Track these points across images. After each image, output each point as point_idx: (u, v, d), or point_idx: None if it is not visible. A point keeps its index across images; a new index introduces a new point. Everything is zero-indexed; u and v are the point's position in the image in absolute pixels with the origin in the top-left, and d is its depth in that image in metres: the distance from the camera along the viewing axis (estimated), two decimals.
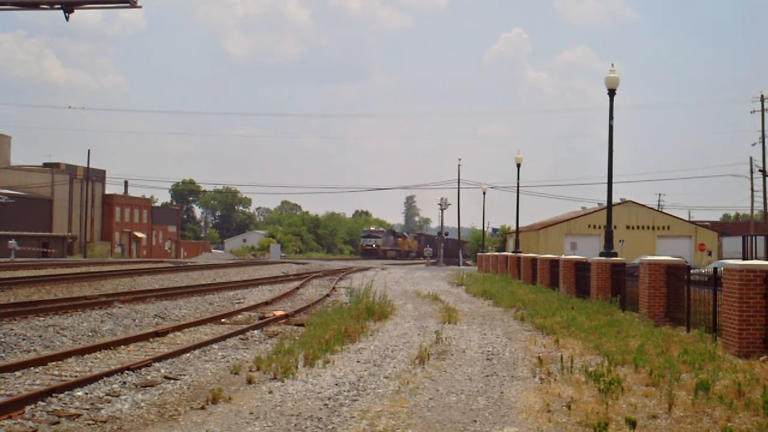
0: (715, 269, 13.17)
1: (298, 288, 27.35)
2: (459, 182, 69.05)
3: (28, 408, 7.94)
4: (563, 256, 25.08)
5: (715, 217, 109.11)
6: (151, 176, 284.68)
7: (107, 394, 8.80)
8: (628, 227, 60.31)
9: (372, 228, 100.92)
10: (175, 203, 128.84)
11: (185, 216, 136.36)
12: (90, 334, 14.16)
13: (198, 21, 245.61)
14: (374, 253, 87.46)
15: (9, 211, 66.39)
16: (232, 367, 10.47)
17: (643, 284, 15.90)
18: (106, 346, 12.31)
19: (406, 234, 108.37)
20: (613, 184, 21.63)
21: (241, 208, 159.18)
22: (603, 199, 31.75)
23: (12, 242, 57.52)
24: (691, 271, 14.57)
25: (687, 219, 73.35)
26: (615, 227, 32.62)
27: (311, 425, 7.36)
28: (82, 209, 78.16)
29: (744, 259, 33.38)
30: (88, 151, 75.54)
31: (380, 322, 16.03)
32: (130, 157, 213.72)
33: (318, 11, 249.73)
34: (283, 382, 9.43)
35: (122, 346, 12.50)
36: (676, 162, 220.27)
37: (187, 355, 11.78)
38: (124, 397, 8.67)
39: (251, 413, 7.81)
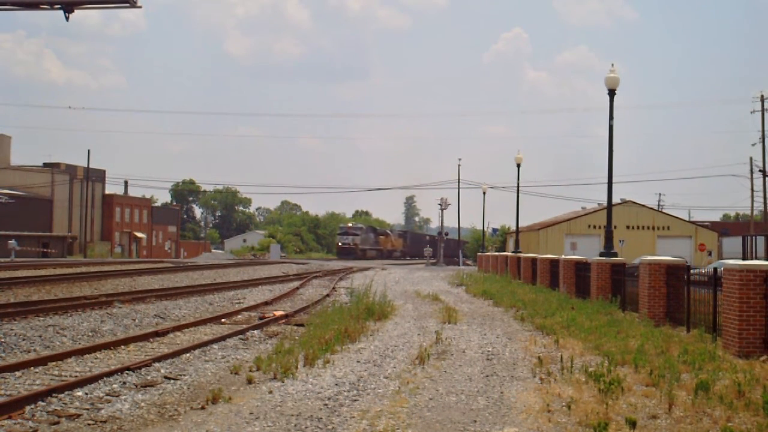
0: (715, 269, 13.16)
1: (298, 288, 27.35)
2: (459, 182, 69.17)
3: (28, 408, 7.95)
4: (563, 256, 25.07)
5: (715, 217, 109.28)
6: (151, 176, 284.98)
7: (107, 394, 8.80)
8: (628, 227, 60.39)
9: (350, 224, 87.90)
10: (175, 203, 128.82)
11: (185, 216, 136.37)
12: (90, 334, 14.16)
13: (198, 21, 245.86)
14: (352, 253, 78.30)
15: (9, 211, 66.43)
16: (232, 367, 10.47)
17: (643, 284, 15.90)
18: (106, 346, 12.31)
19: (389, 231, 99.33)
20: (613, 184, 21.66)
21: (241, 208, 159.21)
22: (603, 199, 31.76)
23: (12, 242, 57.51)
24: (691, 271, 14.56)
25: (687, 219, 73.47)
26: (615, 227, 32.64)
27: (311, 425, 7.36)
28: (82, 209, 78.20)
29: (744, 259, 33.37)
30: (88, 151, 75.72)
31: (380, 322, 16.03)
32: (130, 157, 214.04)
33: (318, 11, 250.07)
34: (283, 382, 9.43)
35: (122, 346, 12.50)
36: (676, 162, 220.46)
37: (187, 355, 11.78)
38: (124, 397, 8.67)
39: (251, 413, 7.82)
